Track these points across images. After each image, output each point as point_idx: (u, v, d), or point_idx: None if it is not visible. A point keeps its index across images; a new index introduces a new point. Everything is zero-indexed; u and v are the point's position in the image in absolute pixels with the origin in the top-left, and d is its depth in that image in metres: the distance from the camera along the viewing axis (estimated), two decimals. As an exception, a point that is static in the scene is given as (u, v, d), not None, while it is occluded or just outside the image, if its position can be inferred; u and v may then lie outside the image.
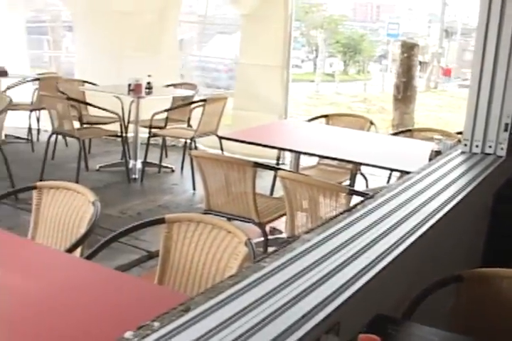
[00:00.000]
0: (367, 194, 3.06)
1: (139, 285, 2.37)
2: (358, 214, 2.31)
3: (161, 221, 2.67)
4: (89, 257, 2.60)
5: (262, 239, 4.23)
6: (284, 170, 4.07)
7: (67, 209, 3.03)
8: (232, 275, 1.75)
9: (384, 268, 1.81)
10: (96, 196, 2.91)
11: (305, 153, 4.73)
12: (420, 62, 11.89)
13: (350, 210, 2.37)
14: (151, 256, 4.85)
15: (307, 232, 2.11)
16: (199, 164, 4.17)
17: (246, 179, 4.00)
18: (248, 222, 4.18)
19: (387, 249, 1.96)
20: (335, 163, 5.44)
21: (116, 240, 2.72)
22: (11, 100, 6.15)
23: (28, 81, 8.78)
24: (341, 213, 2.33)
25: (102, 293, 2.14)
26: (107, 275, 2.35)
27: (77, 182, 5.81)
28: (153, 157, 7.14)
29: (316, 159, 5.73)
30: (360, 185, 5.54)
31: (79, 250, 2.73)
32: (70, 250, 2.65)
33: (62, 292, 2.12)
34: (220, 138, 4.80)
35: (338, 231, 2.11)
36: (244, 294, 1.60)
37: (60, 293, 2.12)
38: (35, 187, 3.13)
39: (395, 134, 5.91)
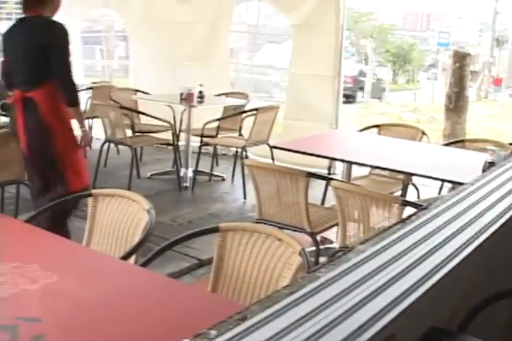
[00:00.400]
0: (420, 205, 3.04)
1: (193, 292, 2.39)
2: (412, 226, 2.30)
3: (215, 230, 2.69)
4: (143, 265, 2.63)
5: (314, 248, 4.23)
6: (337, 180, 4.07)
7: (121, 216, 3.07)
8: (288, 285, 1.76)
9: (439, 280, 1.81)
10: (150, 204, 2.95)
11: (357, 163, 4.72)
12: (471, 72, 11.76)
13: (404, 221, 2.36)
14: (202, 264, 4.88)
15: (362, 243, 2.10)
16: (252, 173, 4.19)
17: (298, 188, 4.01)
18: (300, 232, 4.19)
19: (443, 260, 1.95)
20: (386, 173, 5.42)
21: (170, 248, 2.75)
22: (66, 109, 6.26)
23: (81, 90, 8.91)
24: (395, 224, 2.33)
25: (157, 300, 2.17)
26: (161, 282, 2.38)
27: (129, 189, 5.88)
28: (204, 165, 7.20)
29: (367, 169, 5.72)
30: (411, 195, 5.51)
31: (133, 257, 2.76)
32: (125, 257, 2.68)
33: (118, 299, 2.15)
34: (273, 147, 4.81)
35: (393, 243, 2.10)
36: (300, 304, 1.61)
37: (115, 300, 2.15)
38: (90, 195, 3.18)
39: (447, 145, 5.87)
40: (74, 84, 4.34)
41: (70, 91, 4.34)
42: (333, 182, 3.78)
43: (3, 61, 4.45)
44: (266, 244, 2.61)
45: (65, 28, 4.20)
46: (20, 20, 4.38)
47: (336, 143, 5.60)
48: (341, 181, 4.11)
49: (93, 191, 3.18)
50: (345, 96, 9.71)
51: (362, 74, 25.74)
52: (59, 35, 4.18)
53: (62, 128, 4.32)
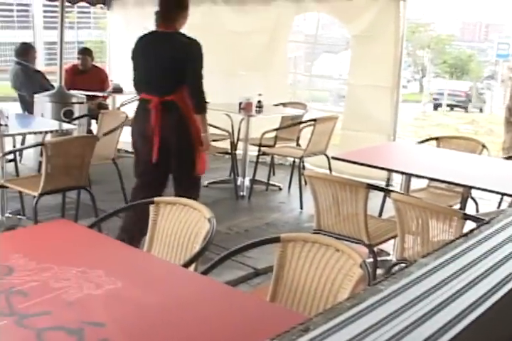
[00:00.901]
0: (482, 219, 3.02)
1: (253, 301, 2.41)
2: (475, 240, 2.27)
3: (276, 240, 2.71)
4: (204, 273, 2.66)
5: (371, 260, 4.22)
6: (397, 192, 4.05)
7: (182, 224, 3.11)
8: (350, 297, 1.76)
9: (504, 295, 1.79)
10: (211, 213, 2.98)
11: (416, 176, 4.69)
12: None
13: (466, 235, 2.34)
14: (258, 273, 4.90)
15: (424, 256, 2.09)
16: (311, 184, 4.20)
17: (358, 200, 4.00)
18: (357, 243, 4.18)
19: (507, 275, 1.93)
20: (444, 185, 5.37)
21: (231, 257, 2.78)
22: (126, 116, 6.37)
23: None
24: (457, 238, 2.31)
25: (218, 308, 2.19)
26: (222, 291, 2.40)
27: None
28: (261, 175, 7.22)
29: (425, 181, 5.67)
30: (470, 209, 5.45)
31: (193, 265, 2.79)
32: (186, 265, 2.71)
33: (180, 306, 2.18)
34: (332, 158, 4.82)
35: (456, 257, 2.08)
36: (363, 317, 1.60)
37: (177, 306, 2.18)
38: (152, 202, 3.23)
39: (508, 158, 5.80)
40: (204, 93, 4.84)
41: (200, 100, 4.84)
42: (393, 195, 3.76)
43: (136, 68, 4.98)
44: (326, 255, 2.61)
45: (199, 44, 4.74)
46: (154, 34, 4.90)
47: (394, 154, 5.58)
48: (401, 193, 4.09)
49: (155, 198, 3.22)
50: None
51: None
52: (196, 50, 4.73)
53: (194, 125, 4.86)
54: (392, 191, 4.04)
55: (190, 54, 4.73)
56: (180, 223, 3.10)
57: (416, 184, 5.85)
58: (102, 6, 10.69)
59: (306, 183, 6.80)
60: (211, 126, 6.77)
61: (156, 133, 4.76)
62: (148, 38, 4.90)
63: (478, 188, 4.46)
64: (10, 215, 5.76)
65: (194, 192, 4.93)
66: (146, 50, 4.87)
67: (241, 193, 7.03)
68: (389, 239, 4.32)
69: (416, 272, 1.91)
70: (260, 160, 7.20)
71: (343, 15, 7.97)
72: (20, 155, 7.37)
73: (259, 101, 7.03)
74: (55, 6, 13.01)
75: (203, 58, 4.75)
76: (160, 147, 4.78)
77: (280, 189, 7.45)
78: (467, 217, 3.54)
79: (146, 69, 4.89)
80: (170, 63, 4.73)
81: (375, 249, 4.41)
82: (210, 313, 2.14)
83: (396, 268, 4.18)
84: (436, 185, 5.45)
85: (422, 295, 1.75)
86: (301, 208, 6.63)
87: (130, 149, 8.73)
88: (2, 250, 2.56)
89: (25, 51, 8.21)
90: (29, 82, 7.94)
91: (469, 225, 3.55)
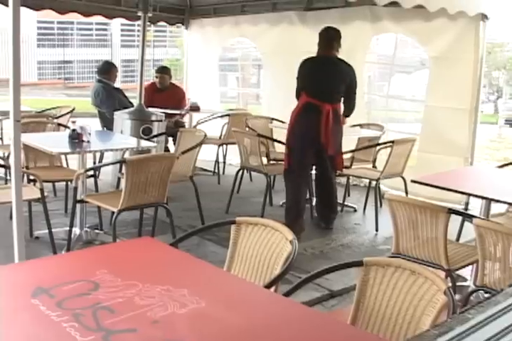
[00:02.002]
0: None
1: (337, 324, 2.40)
2: None
3: (359, 263, 2.69)
4: (286, 294, 2.66)
5: (449, 285, 4.15)
6: (479, 218, 3.99)
7: (264, 245, 3.11)
8: (437, 325, 1.74)
9: None
10: (293, 234, 2.98)
11: (496, 200, 4.61)
12: None
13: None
14: (333, 295, 4.88)
15: (511, 285, 2.06)
16: (391, 207, 4.16)
17: (438, 224, 3.95)
18: (435, 268, 4.12)
19: None
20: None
21: (313, 280, 2.77)
22: (205, 135, 6.43)
23: (218, 116, 9.15)
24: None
25: (301, 330, 2.18)
26: (304, 312, 2.39)
27: (262, 216, 5.97)
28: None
29: (504, 206, 5.57)
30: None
31: (273, 286, 2.80)
32: (267, 286, 2.72)
33: (263, 327, 2.18)
34: (412, 181, 4.78)
35: (544, 287, 2.05)
36: (451, 346, 1.59)
37: (260, 327, 2.18)
38: (234, 222, 3.24)
39: None
40: (355, 105, 6.60)
41: (352, 110, 6.61)
42: (475, 220, 3.70)
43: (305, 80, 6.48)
44: (409, 280, 2.59)
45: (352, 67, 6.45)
46: (320, 58, 6.48)
47: (473, 178, 5.50)
48: (483, 219, 4.02)
49: (237, 219, 3.24)
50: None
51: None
52: (354, 73, 6.44)
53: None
54: (474, 216, 3.97)
55: (352, 76, 6.41)
56: (262, 244, 3.11)
57: (494, 208, 5.75)
58: (179, 25, 10.87)
59: (381, 205, 6.78)
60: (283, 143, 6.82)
61: (323, 129, 6.23)
62: (316, 61, 6.47)
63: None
64: (88, 229, 5.87)
65: (335, 184, 6.66)
66: (317, 68, 6.43)
67: (315, 214, 7.01)
68: (469, 264, 4.25)
69: (503, 302, 1.89)
70: (335, 180, 7.18)
71: (422, 36, 7.90)
72: (98, 170, 7.52)
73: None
74: (132, 25, 13.24)
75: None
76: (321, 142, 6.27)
77: (355, 210, 7.41)
78: (552, 245, 3.47)
79: (319, 82, 6.35)
80: (339, 81, 6.36)
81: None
82: (294, 335, 2.14)
83: (475, 294, 4.11)
84: (517, 210, 5.35)
85: (510, 327, 1.72)
86: (377, 230, 6.58)
87: (206, 167, 8.89)
88: (88, 266, 2.61)
89: (108, 69, 8.40)
90: (109, 99, 8.11)
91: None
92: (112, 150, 6.29)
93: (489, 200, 4.74)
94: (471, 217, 4.04)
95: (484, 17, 7.14)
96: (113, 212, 5.17)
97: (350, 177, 7.52)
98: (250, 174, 8.14)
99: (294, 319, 2.28)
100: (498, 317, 1.76)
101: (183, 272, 2.60)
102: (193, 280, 2.50)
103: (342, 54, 8.47)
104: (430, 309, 2.48)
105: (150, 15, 7.42)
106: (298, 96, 6.51)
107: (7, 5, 3.87)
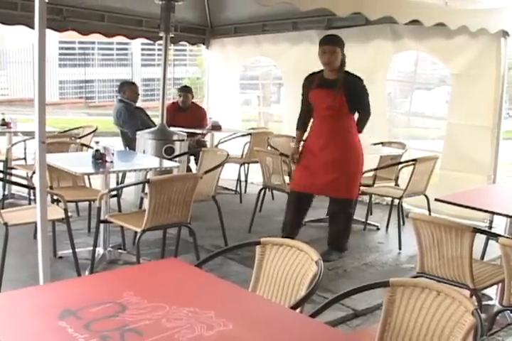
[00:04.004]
0: None
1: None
2: None
3: (385, 284, 2.68)
4: (313, 315, 2.66)
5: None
6: (505, 236, 3.96)
7: (289, 266, 3.11)
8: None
9: None
10: (319, 255, 2.97)
11: (521, 219, 4.59)
12: None
13: None
14: (357, 314, 4.85)
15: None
16: (416, 226, 4.14)
17: (463, 243, 3.93)
18: (460, 287, 4.09)
19: None
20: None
21: (340, 300, 2.77)
22: (228, 154, 6.45)
23: (240, 135, 9.18)
24: None
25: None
26: (331, 334, 2.39)
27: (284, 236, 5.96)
28: (359, 214, 7.17)
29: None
30: None
31: (300, 307, 2.79)
32: (293, 307, 2.71)
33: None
34: (435, 200, 4.76)
35: None
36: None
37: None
38: (259, 243, 3.25)
39: None
40: (368, 119, 6.27)
41: (365, 124, 6.30)
42: (501, 239, 3.68)
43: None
44: (436, 301, 2.57)
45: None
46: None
47: (496, 196, 5.47)
48: (509, 238, 3.99)
49: (262, 239, 3.24)
50: None
51: None
52: (365, 87, 6.14)
53: None
54: (500, 235, 3.95)
55: (365, 90, 6.18)
56: (287, 264, 3.11)
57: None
58: (200, 44, 10.95)
59: (404, 223, 6.75)
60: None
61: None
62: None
63: None
64: (111, 249, 5.89)
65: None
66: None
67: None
68: (494, 283, 4.22)
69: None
70: (358, 199, 7.16)
71: (443, 54, 7.90)
72: (121, 190, 7.55)
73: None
74: (153, 44, 13.36)
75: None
76: None
77: (378, 229, 7.38)
78: None
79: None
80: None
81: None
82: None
83: (501, 314, 4.08)
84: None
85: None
86: (400, 249, 6.55)
87: (227, 186, 8.91)
88: (115, 287, 2.62)
89: (127, 88, 8.44)
90: (131, 119, 8.15)
91: None
92: (135, 170, 6.31)
93: (513, 219, 4.72)
94: (496, 235, 4.02)
95: (506, 34, 7.14)
96: (136, 232, 5.18)
97: (373, 195, 7.49)
98: (272, 193, 8.14)
99: (319, 340, 2.28)
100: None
101: (209, 293, 2.61)
102: (220, 302, 2.50)
103: (363, 72, 8.51)
104: (458, 330, 2.46)
105: (172, 35, 7.47)
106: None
107: (32, 27, 3.92)
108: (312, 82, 6.14)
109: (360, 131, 6.24)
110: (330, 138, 6.06)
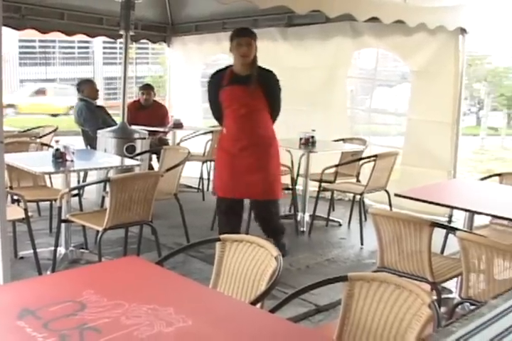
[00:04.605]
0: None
1: (322, 340, 2.41)
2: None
3: (344, 278, 2.71)
4: (272, 311, 2.67)
5: (435, 298, 4.17)
6: (462, 230, 4.02)
7: (249, 262, 3.12)
8: (423, 338, 1.76)
9: None
10: (278, 251, 2.99)
11: (480, 213, 4.64)
12: None
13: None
14: (319, 310, 4.88)
15: (494, 298, 2.07)
16: (375, 221, 4.18)
17: (422, 238, 3.97)
18: (420, 281, 4.14)
19: None
20: (507, 222, 5.30)
21: (298, 296, 2.78)
22: (189, 152, 6.45)
23: (202, 133, 9.16)
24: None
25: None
26: (291, 329, 2.41)
27: (247, 232, 5.98)
28: (321, 210, 7.21)
29: (487, 218, 5.60)
30: (534, 246, 5.36)
31: (259, 302, 2.80)
32: (253, 303, 2.73)
33: (250, 344, 2.19)
34: (395, 195, 4.81)
35: (526, 299, 2.06)
36: (438, 359, 1.61)
37: (247, 345, 2.19)
38: (219, 239, 3.25)
39: None
40: (278, 115, 5.92)
41: (275, 120, 5.92)
42: (458, 233, 3.73)
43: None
44: (394, 294, 2.60)
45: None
46: None
47: (456, 191, 5.53)
48: (467, 231, 4.05)
49: (221, 236, 3.25)
50: None
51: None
52: (279, 82, 5.84)
53: None
54: (457, 229, 4.00)
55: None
56: (247, 260, 3.12)
57: (478, 220, 5.79)
58: (161, 42, 10.91)
59: (366, 219, 6.80)
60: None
61: None
62: None
63: (543, 226, 4.41)
64: (73, 249, 5.85)
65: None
66: None
67: (301, 229, 7.04)
68: (453, 276, 4.28)
69: (487, 314, 1.90)
70: (320, 195, 7.21)
71: (402, 51, 7.98)
72: (83, 189, 7.51)
73: (312, 137, 7.04)
74: (114, 43, 13.28)
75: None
76: None
77: (340, 225, 7.43)
78: (535, 256, 3.50)
79: None
80: None
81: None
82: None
83: (460, 307, 4.13)
84: (500, 221, 5.38)
85: (495, 338, 1.74)
86: (362, 244, 6.61)
87: (190, 184, 8.89)
88: (74, 286, 2.61)
89: (86, 87, 8.38)
90: (92, 117, 8.10)
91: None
92: (95, 169, 6.28)
93: (472, 213, 4.78)
94: (454, 229, 4.07)
95: (463, 31, 7.22)
96: (98, 231, 5.16)
97: (335, 191, 7.54)
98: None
99: (280, 335, 2.29)
100: (482, 330, 1.77)
101: (169, 290, 2.61)
102: (179, 299, 2.51)
103: (325, 69, 8.57)
104: (415, 323, 2.49)
105: (132, 33, 7.43)
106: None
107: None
108: (221, 80, 5.73)
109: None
110: (250, 137, 5.73)
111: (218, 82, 5.74)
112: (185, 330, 2.19)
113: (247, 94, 5.63)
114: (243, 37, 5.67)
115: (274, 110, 5.85)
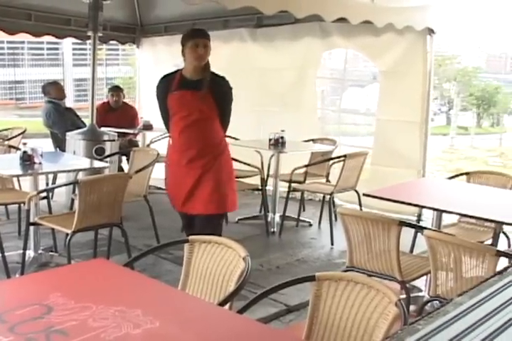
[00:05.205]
0: (516, 256, 3.01)
1: (289, 340, 2.42)
2: (509, 278, 2.28)
3: (311, 278, 2.72)
4: (240, 311, 2.67)
5: (404, 296, 4.20)
6: (429, 229, 4.05)
7: (217, 263, 3.13)
8: (388, 336, 1.76)
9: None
10: (246, 251, 2.99)
11: (447, 212, 4.69)
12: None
13: (501, 273, 2.34)
14: (290, 310, 4.89)
15: (459, 295, 2.09)
16: (344, 221, 4.20)
17: (390, 237, 4.00)
18: (389, 280, 4.17)
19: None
20: (476, 220, 5.36)
21: (266, 296, 2.79)
22: (158, 154, 6.43)
23: (168, 136, 9.12)
24: (492, 276, 2.30)
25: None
26: (259, 330, 2.41)
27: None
28: (291, 210, 7.23)
29: (456, 216, 5.66)
30: (502, 243, 5.42)
31: (228, 303, 2.81)
32: (221, 304, 2.73)
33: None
34: (364, 195, 4.84)
35: (491, 296, 2.08)
36: (403, 357, 1.61)
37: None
38: (187, 241, 3.25)
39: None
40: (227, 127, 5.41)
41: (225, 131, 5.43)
42: (425, 232, 3.76)
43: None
44: (361, 293, 2.62)
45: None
46: None
47: (425, 190, 5.58)
48: (434, 230, 4.08)
49: (190, 237, 3.25)
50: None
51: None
52: (231, 91, 5.26)
53: None
54: (425, 228, 4.03)
55: None
56: (215, 261, 3.12)
57: (447, 219, 5.84)
58: (131, 43, 10.88)
59: (336, 219, 6.82)
60: (242, 162, 6.83)
61: None
62: None
63: (509, 224, 4.46)
64: (43, 252, 5.81)
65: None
66: None
67: (272, 229, 7.04)
68: (422, 275, 4.31)
69: (452, 311, 1.92)
70: (290, 196, 7.22)
71: (371, 51, 8.03)
72: (52, 191, 7.46)
73: (281, 138, 7.05)
74: (84, 44, 13.21)
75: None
76: None
77: (310, 225, 7.45)
78: (501, 254, 3.53)
79: None
80: None
81: (407, 284, 4.39)
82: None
83: (429, 305, 4.17)
84: (468, 220, 5.44)
85: (459, 336, 1.76)
86: (332, 244, 6.63)
87: (160, 186, 8.85)
88: (42, 289, 2.59)
89: (52, 88, 8.33)
90: (61, 120, 8.05)
91: (502, 261, 3.55)
92: (63, 171, 6.24)
93: (440, 211, 4.82)
94: (422, 228, 4.10)
95: (431, 31, 7.29)
96: (67, 234, 5.13)
97: (305, 192, 7.55)
98: (205, 191, 8.14)
99: (247, 336, 2.30)
100: (447, 327, 1.79)
101: (137, 292, 2.60)
102: (147, 301, 2.50)
103: (294, 70, 8.59)
104: (382, 321, 2.51)
105: (100, 34, 7.40)
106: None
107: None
108: (170, 85, 5.23)
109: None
110: (200, 147, 5.18)
111: (166, 87, 5.26)
112: (153, 332, 2.18)
113: (197, 99, 5.11)
114: (200, 38, 5.17)
115: (224, 121, 5.33)
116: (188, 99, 5.13)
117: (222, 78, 5.21)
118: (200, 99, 5.09)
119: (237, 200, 5.44)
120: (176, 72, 5.32)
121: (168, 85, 5.24)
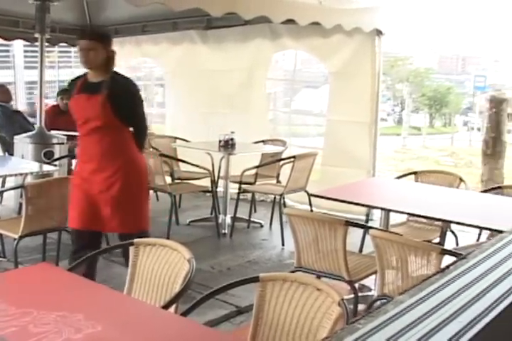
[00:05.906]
0: (459, 254, 3.05)
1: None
2: (450, 276, 2.30)
3: (255, 279, 2.73)
4: (184, 313, 2.67)
5: (352, 296, 4.23)
6: (375, 228, 4.08)
7: (162, 265, 3.12)
8: (328, 336, 1.77)
9: (477, 334, 1.81)
10: (191, 253, 2.99)
11: (395, 211, 4.73)
12: (509, 115, 11.66)
13: (443, 271, 2.37)
14: (241, 311, 4.89)
15: (401, 294, 2.11)
16: (291, 221, 4.22)
17: (337, 237, 4.03)
18: (338, 280, 4.20)
19: (480, 313, 1.95)
20: (424, 219, 5.42)
21: (211, 297, 2.79)
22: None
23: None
24: (434, 274, 2.33)
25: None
26: (202, 332, 2.41)
27: (168, 236, 5.95)
28: (242, 212, 7.23)
29: (405, 215, 5.72)
30: (450, 242, 5.49)
31: (173, 306, 2.80)
32: (166, 306, 2.72)
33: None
34: (311, 195, 4.87)
35: (432, 294, 2.10)
36: (341, 356, 1.62)
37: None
38: (132, 244, 3.24)
39: (485, 191, 5.86)
40: (145, 134, 5.03)
41: (144, 140, 5.04)
42: (371, 231, 3.80)
43: None
44: (305, 293, 2.64)
45: None
46: None
47: (373, 190, 5.63)
48: (380, 229, 4.12)
49: (135, 240, 3.24)
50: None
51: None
52: (138, 93, 4.83)
53: None
54: (371, 227, 4.07)
55: None
56: (160, 264, 3.12)
57: (396, 218, 5.90)
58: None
59: (287, 220, 6.85)
60: (192, 164, 6.82)
61: None
62: None
63: (457, 222, 4.52)
64: (-10, 257, 5.74)
65: None
66: None
67: (223, 231, 7.03)
68: (369, 274, 4.34)
69: (391, 310, 1.93)
70: (241, 197, 7.23)
71: (320, 52, 8.07)
72: (1, 196, 7.36)
73: (231, 139, 7.06)
74: (36, 46, 13.08)
75: None
76: None
77: (262, 226, 7.46)
78: (445, 252, 3.58)
79: None
80: None
81: (357, 284, 4.43)
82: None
83: (378, 304, 4.20)
84: (416, 219, 5.49)
85: (397, 334, 1.77)
86: (283, 245, 6.64)
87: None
88: (-18, 295, 2.56)
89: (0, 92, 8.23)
90: (9, 123, 7.95)
91: (448, 259, 3.59)
92: (10, 175, 6.17)
93: (387, 211, 4.86)
94: (368, 228, 4.14)
95: (379, 32, 7.35)
96: (15, 239, 5.07)
97: (256, 193, 7.57)
98: (157, 194, 8.09)
99: (188, 338, 2.30)
100: (386, 326, 1.80)
101: (80, 297, 2.58)
102: (90, 305, 2.49)
103: (244, 72, 8.60)
104: (326, 321, 2.53)
105: (48, 36, 7.32)
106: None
107: None
108: (74, 87, 4.68)
109: (140, 150, 4.82)
110: (102, 159, 4.60)
111: (72, 91, 4.69)
112: (94, 336, 2.17)
113: (93, 104, 4.47)
114: (85, 40, 4.59)
115: (136, 129, 4.73)
116: (81, 105, 4.56)
117: (125, 79, 4.69)
118: (97, 105, 4.46)
119: (147, 219, 4.94)
120: (86, 74, 4.73)
121: (73, 88, 4.70)
